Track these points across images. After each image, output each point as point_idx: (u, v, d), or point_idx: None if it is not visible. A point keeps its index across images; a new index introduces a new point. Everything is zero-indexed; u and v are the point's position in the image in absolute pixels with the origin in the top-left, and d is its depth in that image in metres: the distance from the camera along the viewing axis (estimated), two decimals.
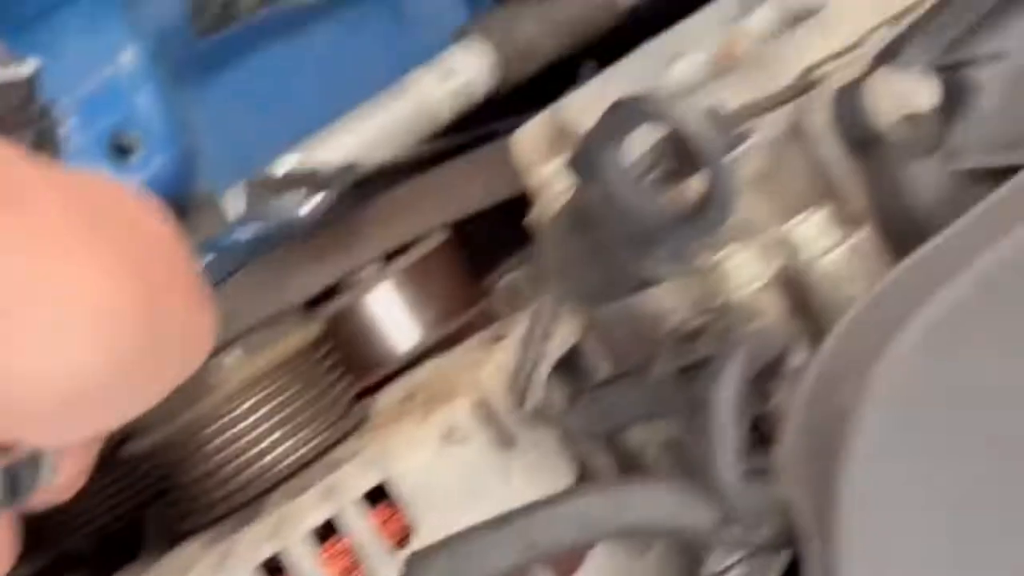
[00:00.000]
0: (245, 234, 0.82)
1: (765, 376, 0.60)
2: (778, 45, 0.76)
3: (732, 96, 0.74)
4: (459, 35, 1.03)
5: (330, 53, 1.03)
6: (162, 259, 0.44)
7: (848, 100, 0.59)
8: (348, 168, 0.89)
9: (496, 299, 0.88)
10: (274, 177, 0.83)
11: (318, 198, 0.84)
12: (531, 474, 0.69)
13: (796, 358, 0.58)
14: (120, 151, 0.81)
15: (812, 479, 0.51)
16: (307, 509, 0.65)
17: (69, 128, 0.79)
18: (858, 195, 0.60)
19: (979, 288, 0.50)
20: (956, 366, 0.50)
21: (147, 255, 0.43)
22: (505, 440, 0.69)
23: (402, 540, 0.66)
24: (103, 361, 0.40)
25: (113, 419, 0.44)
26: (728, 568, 0.60)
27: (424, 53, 1.00)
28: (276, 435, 0.70)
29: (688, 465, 0.58)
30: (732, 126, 0.64)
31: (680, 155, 0.56)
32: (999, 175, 0.57)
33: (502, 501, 0.62)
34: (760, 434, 0.58)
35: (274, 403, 0.70)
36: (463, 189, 0.94)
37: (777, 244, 0.62)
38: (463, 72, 1.00)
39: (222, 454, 0.69)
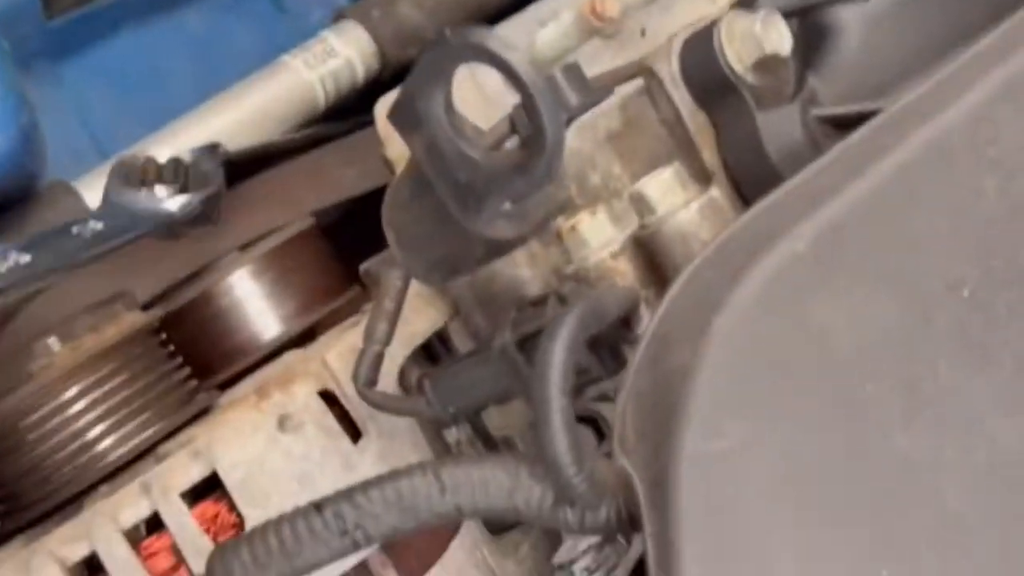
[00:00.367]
0: (98, 226, 0.75)
1: (611, 345, 0.55)
2: (652, 28, 0.72)
3: (597, 65, 0.70)
4: (336, 18, 0.99)
5: (203, 34, 0.99)
6: None
7: (698, 47, 0.55)
8: (213, 156, 0.83)
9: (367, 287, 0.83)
10: (138, 166, 0.77)
11: (189, 196, 0.79)
12: (379, 465, 0.63)
13: (643, 320, 0.54)
14: None
15: (648, 446, 0.46)
16: (124, 505, 0.60)
17: None
18: (710, 149, 0.56)
19: (818, 241, 0.46)
20: (795, 322, 0.46)
21: None
22: (349, 429, 0.63)
23: (237, 534, 0.60)
24: None
25: None
26: (575, 559, 0.55)
27: (298, 39, 0.96)
28: (101, 427, 0.64)
29: None
30: (588, 83, 0.60)
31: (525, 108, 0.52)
32: (858, 123, 0.53)
33: None
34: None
35: (97, 393, 0.64)
36: (335, 175, 0.89)
37: (630, 207, 0.58)
38: (340, 54, 0.95)
39: (43, 447, 0.64)
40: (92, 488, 0.64)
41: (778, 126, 0.54)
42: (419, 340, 0.70)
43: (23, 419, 0.64)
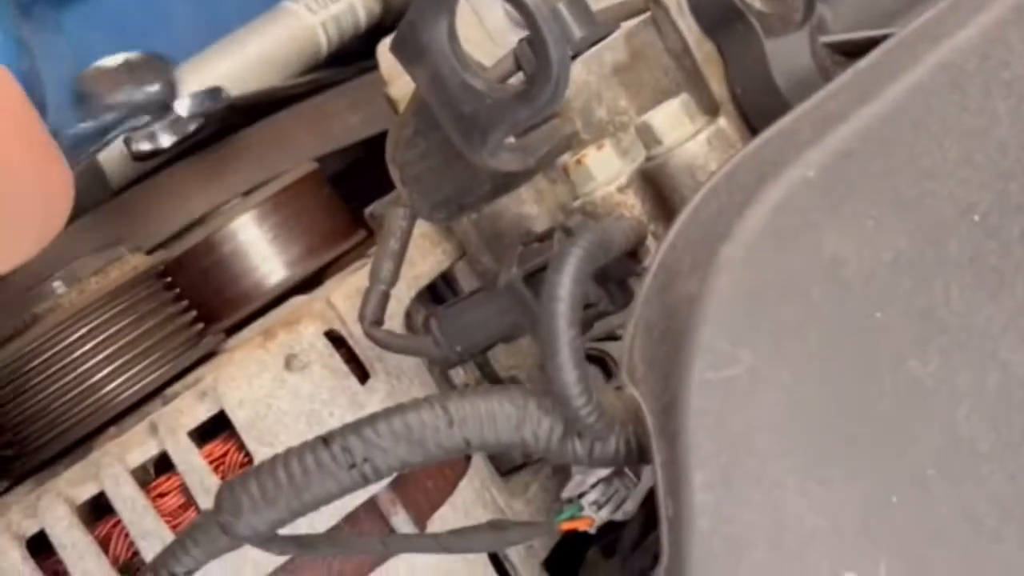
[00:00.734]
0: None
1: (619, 278, 0.54)
2: None
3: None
4: None
5: None
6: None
7: None
8: (215, 94, 0.83)
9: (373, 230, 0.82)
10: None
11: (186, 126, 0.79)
12: (388, 404, 0.63)
13: (651, 253, 0.53)
14: None
15: (657, 375, 0.46)
16: (132, 445, 0.59)
17: None
18: (717, 80, 0.55)
19: (827, 168, 0.45)
20: (805, 250, 0.45)
21: None
22: (357, 369, 0.63)
23: None
24: None
25: None
26: (584, 493, 0.54)
27: None
28: (107, 369, 0.64)
29: None
30: (593, 16, 0.59)
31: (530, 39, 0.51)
32: (868, 49, 0.52)
33: None
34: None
35: (105, 335, 0.64)
36: (338, 120, 0.89)
37: (637, 140, 0.57)
38: None
39: (50, 389, 0.63)
40: (100, 430, 0.64)
41: (787, 54, 0.53)
42: (424, 281, 0.70)
43: (30, 362, 0.63)
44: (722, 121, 0.55)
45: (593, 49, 0.60)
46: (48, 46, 0.88)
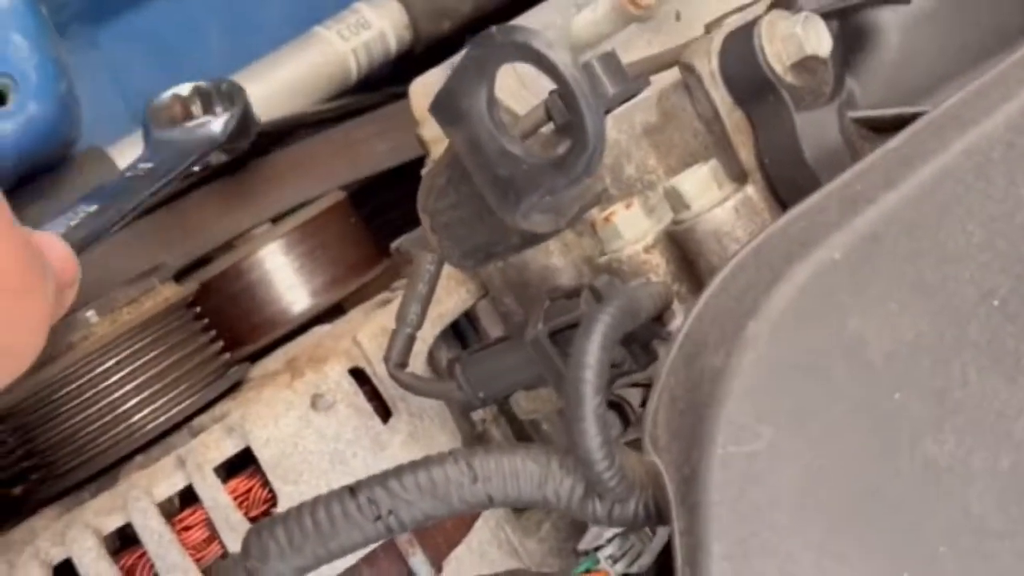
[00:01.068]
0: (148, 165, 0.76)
1: (644, 340, 0.56)
2: (687, 11, 0.73)
3: (633, 49, 0.70)
4: None
5: (236, 1, 0.99)
6: None
7: (738, 45, 0.55)
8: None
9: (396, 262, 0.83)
10: (168, 102, 0.79)
11: (224, 116, 0.79)
12: (409, 444, 0.65)
13: (677, 319, 0.54)
14: None
15: (680, 446, 0.47)
16: (159, 478, 0.61)
17: None
18: (746, 148, 0.56)
19: (853, 250, 0.46)
20: (829, 329, 0.46)
21: None
22: (379, 408, 0.65)
23: (269, 510, 0.61)
24: None
25: None
26: (600, 546, 0.56)
27: (336, 4, 0.96)
28: (136, 399, 0.65)
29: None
30: (625, 73, 0.60)
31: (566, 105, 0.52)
32: (895, 126, 0.53)
33: (374, 472, 0.58)
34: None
35: (135, 365, 0.65)
36: (366, 147, 0.90)
37: (664, 200, 0.58)
38: (373, 26, 0.95)
39: (80, 416, 0.65)
40: (127, 458, 0.66)
41: (815, 127, 0.54)
42: (449, 320, 0.71)
43: (61, 389, 0.65)
44: (750, 189, 0.56)
45: (625, 107, 0.61)
46: (85, 63, 0.90)
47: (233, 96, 0.77)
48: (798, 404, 0.46)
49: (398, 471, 0.51)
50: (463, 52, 0.51)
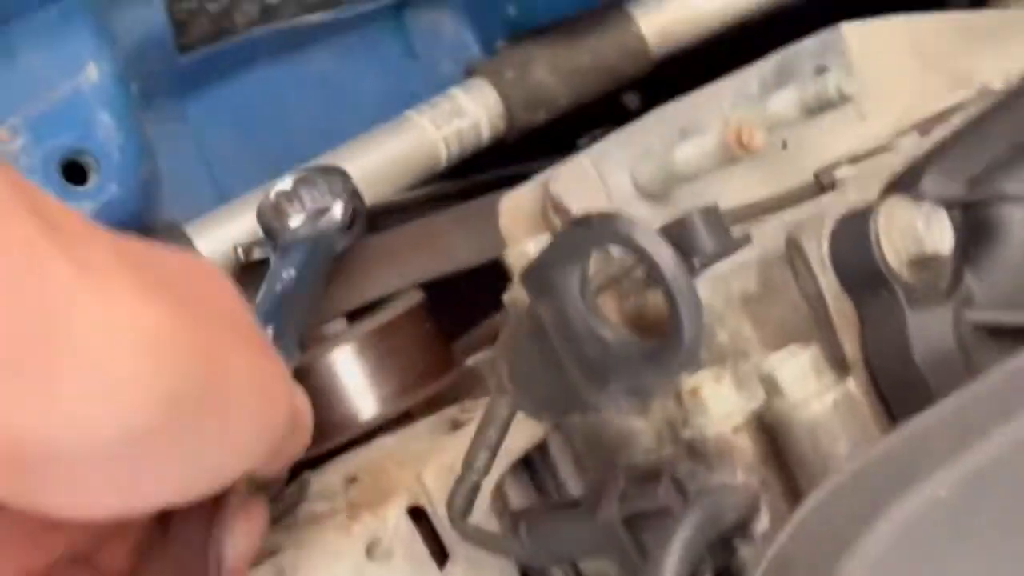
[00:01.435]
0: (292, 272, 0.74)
1: (726, 533, 0.52)
2: (794, 140, 0.69)
3: (736, 190, 0.67)
4: (467, 74, 0.96)
5: (330, 76, 0.97)
6: (216, 304, 0.41)
7: (852, 232, 0.52)
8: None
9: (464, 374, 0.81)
10: (275, 200, 0.76)
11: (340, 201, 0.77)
12: None
13: (762, 520, 0.51)
14: (73, 175, 0.75)
15: None
16: None
17: (17, 147, 0.73)
18: (851, 339, 0.53)
19: (961, 487, 0.43)
20: (929, 572, 0.43)
21: (200, 300, 0.39)
22: (436, 548, 0.62)
23: None
24: (154, 399, 0.35)
25: (170, 484, 0.38)
26: None
27: (428, 88, 0.94)
28: None
29: None
30: (726, 229, 0.57)
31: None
32: (1018, 334, 0.49)
33: None
34: None
35: None
36: (447, 243, 0.87)
37: (758, 379, 0.55)
38: (468, 114, 0.93)
39: None
40: None
41: (929, 328, 0.51)
42: (517, 456, 0.68)
43: None
44: (851, 384, 0.52)
45: (723, 269, 0.58)
46: (169, 134, 0.89)
47: (337, 179, 0.76)
48: None
49: None
50: (560, 229, 0.49)
